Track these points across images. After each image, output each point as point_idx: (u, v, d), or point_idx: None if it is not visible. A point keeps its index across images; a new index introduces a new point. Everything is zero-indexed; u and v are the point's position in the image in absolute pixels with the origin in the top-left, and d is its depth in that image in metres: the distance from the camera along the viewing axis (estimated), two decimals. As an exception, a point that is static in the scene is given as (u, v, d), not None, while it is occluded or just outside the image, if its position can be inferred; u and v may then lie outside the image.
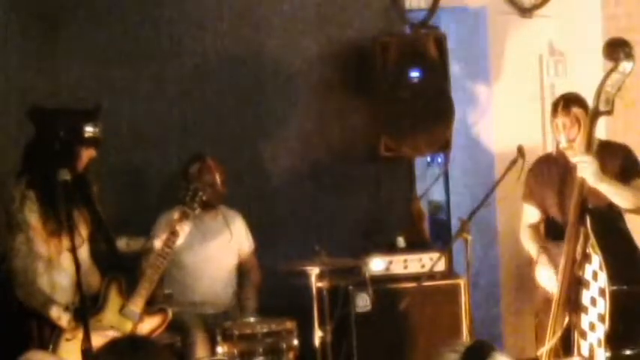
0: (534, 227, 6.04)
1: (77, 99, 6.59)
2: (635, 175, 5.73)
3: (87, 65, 6.79)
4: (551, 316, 5.59)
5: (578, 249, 5.52)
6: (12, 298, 5.59)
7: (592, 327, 5.48)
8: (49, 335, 5.52)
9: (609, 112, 5.49)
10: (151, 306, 5.92)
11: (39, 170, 5.54)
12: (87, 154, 5.70)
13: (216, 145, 6.94)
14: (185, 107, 7.04)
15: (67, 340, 5.49)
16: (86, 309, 5.30)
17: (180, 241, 5.92)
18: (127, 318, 5.68)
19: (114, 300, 5.70)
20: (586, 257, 5.50)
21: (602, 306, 5.38)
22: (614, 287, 5.35)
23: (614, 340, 5.36)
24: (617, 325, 5.35)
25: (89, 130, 5.67)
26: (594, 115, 5.51)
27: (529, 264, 6.68)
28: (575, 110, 5.78)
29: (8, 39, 6.64)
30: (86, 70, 6.78)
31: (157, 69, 6.98)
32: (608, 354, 5.35)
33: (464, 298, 6.81)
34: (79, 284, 5.11)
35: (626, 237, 5.61)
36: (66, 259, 5.51)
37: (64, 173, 5.34)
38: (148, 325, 5.76)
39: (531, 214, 6.06)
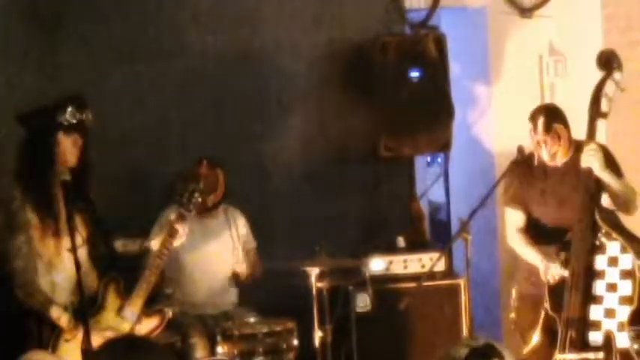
0: (524, 232, 6.06)
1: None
2: (619, 174, 5.88)
3: (87, 65, 6.79)
4: (568, 308, 5.60)
5: (588, 242, 5.63)
6: (11, 298, 5.59)
7: (609, 314, 5.56)
8: (48, 335, 5.52)
9: (606, 116, 5.76)
10: (151, 306, 5.95)
11: (34, 170, 5.53)
12: (70, 141, 5.63)
13: (216, 145, 6.94)
14: (185, 107, 7.04)
15: (67, 340, 5.49)
16: (86, 309, 5.31)
17: (178, 242, 5.92)
18: (125, 319, 5.68)
19: (112, 301, 5.70)
20: (595, 249, 5.61)
21: (628, 287, 5.51)
22: None
23: None
24: None
25: (65, 114, 5.57)
26: (595, 115, 5.73)
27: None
28: (556, 126, 5.95)
29: (8, 39, 6.64)
30: (86, 70, 6.78)
31: (157, 69, 6.98)
32: (633, 333, 5.44)
33: (464, 298, 6.82)
34: (79, 284, 5.11)
35: (627, 228, 5.77)
36: (65, 260, 5.51)
37: (63, 173, 5.34)
38: (146, 325, 5.76)
39: (518, 218, 6.08)
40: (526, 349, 5.75)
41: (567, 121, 6.01)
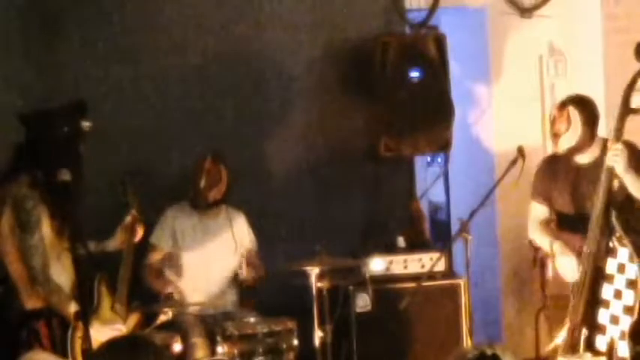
0: (544, 223, 6.04)
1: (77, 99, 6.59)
2: None
3: (87, 65, 6.79)
4: (569, 308, 5.59)
5: (602, 243, 5.58)
6: (13, 300, 5.61)
7: (614, 320, 5.53)
8: (60, 335, 5.53)
9: (638, 112, 5.60)
10: (152, 306, 6.05)
11: (42, 170, 5.55)
12: (83, 147, 5.71)
13: (216, 145, 6.93)
14: (185, 107, 7.04)
15: (79, 337, 5.52)
16: (87, 308, 5.34)
17: (138, 238, 6.05)
18: (117, 314, 5.76)
19: (105, 298, 5.80)
20: (609, 251, 5.57)
21: (631, 297, 5.45)
22: None
23: None
24: None
25: (86, 124, 5.66)
26: (624, 112, 5.59)
27: (529, 264, 6.71)
28: (570, 108, 5.84)
29: (8, 39, 6.64)
30: (86, 70, 6.78)
31: (158, 69, 6.98)
32: (633, 344, 5.41)
33: (464, 298, 6.82)
34: (79, 284, 5.13)
35: None
36: (65, 259, 5.54)
37: (64, 173, 5.35)
38: (132, 321, 5.86)
39: (541, 211, 6.06)
40: (550, 346, 5.73)
41: (590, 113, 5.84)
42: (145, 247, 6.43)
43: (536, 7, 7.66)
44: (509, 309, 7.65)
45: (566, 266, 5.77)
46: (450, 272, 6.93)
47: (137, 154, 6.88)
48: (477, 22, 7.74)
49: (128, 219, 6.02)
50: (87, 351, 5.05)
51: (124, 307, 5.81)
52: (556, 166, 5.99)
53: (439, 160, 7.98)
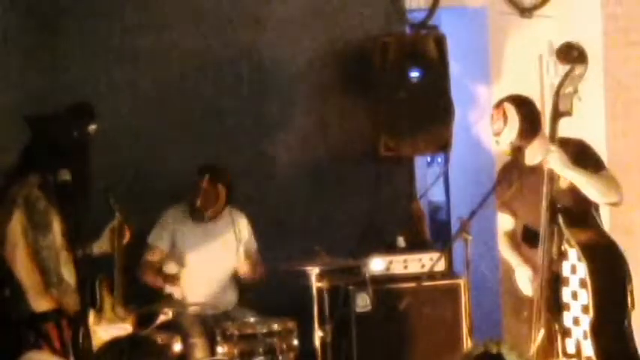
0: (511, 235, 6.03)
1: (77, 99, 6.58)
2: (596, 168, 5.69)
3: (87, 65, 6.79)
4: (533, 317, 5.60)
5: (554, 248, 5.56)
6: (19, 302, 5.60)
7: (576, 322, 5.53)
8: (69, 335, 5.53)
9: (569, 113, 5.56)
10: (152, 306, 6.03)
11: (50, 172, 5.55)
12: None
13: (216, 145, 6.95)
14: (185, 107, 7.04)
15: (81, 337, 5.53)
16: (87, 309, 5.35)
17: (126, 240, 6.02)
18: (117, 315, 5.76)
19: (107, 299, 5.79)
20: (562, 255, 5.55)
21: (585, 296, 5.44)
22: (595, 272, 5.42)
23: (600, 323, 5.42)
24: (603, 305, 5.41)
25: (92, 128, 5.69)
26: (555, 115, 5.56)
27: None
28: (506, 105, 5.77)
29: (8, 39, 6.64)
30: (86, 70, 6.79)
31: (157, 69, 6.98)
32: (594, 342, 5.40)
33: (464, 298, 6.82)
34: (80, 285, 5.14)
35: (597, 228, 5.65)
36: (70, 259, 5.55)
37: (64, 173, 5.35)
38: (129, 322, 5.85)
39: (506, 222, 6.05)
40: (533, 348, 5.73)
41: (528, 110, 5.78)
42: (135, 250, 6.40)
43: (536, 7, 7.66)
44: (509, 309, 7.65)
45: (521, 279, 5.77)
46: (450, 272, 6.93)
47: (136, 154, 6.89)
48: (477, 22, 7.74)
49: (114, 222, 6.00)
50: (87, 351, 5.04)
51: (122, 309, 5.81)
52: (511, 173, 5.92)
53: (439, 160, 7.99)
